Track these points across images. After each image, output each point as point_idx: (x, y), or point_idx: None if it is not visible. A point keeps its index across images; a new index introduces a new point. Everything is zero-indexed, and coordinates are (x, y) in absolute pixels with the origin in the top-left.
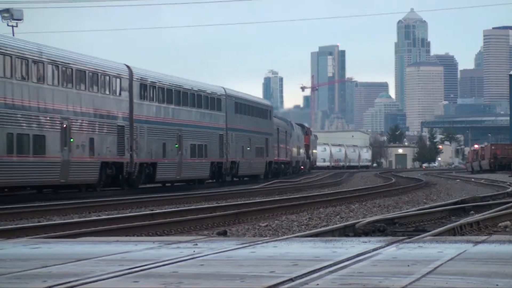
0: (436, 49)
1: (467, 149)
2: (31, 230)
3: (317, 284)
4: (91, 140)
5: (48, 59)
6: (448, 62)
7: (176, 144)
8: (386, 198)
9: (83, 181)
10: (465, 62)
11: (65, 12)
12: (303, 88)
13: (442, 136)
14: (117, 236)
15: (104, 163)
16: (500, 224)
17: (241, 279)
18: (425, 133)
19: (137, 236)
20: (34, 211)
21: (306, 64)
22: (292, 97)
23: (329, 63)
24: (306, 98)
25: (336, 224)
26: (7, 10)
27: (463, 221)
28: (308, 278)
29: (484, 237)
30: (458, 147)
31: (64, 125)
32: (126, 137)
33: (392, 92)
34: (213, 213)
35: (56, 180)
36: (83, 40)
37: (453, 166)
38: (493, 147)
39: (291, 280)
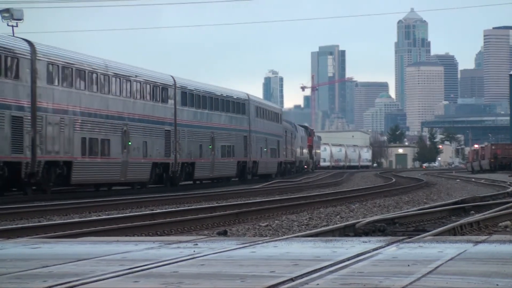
0: (436, 49)
1: (467, 149)
2: (31, 230)
3: (318, 284)
4: (145, 143)
5: (112, 72)
6: (448, 62)
7: (210, 145)
8: (386, 198)
9: (138, 179)
10: (465, 62)
11: (65, 12)
12: (303, 88)
13: (442, 136)
14: (117, 236)
15: (154, 163)
16: (500, 224)
17: (242, 279)
18: (425, 133)
19: (137, 236)
20: (35, 211)
21: (306, 64)
22: (292, 97)
23: (329, 63)
24: (306, 98)
25: (337, 224)
26: (7, 10)
27: (463, 221)
28: (308, 278)
29: (484, 237)
30: (458, 147)
31: (124, 130)
32: (171, 140)
33: (392, 92)
34: (213, 213)
35: (117, 178)
36: (83, 40)
37: (453, 166)
38: (493, 147)
39: (292, 280)
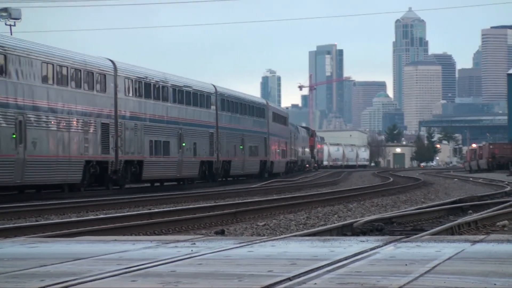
0: (434, 48)
1: (465, 149)
2: (29, 229)
3: (315, 284)
4: (194, 144)
5: (170, 83)
6: (446, 61)
7: (241, 146)
8: (384, 197)
9: (190, 176)
10: (463, 61)
11: (64, 11)
12: (301, 87)
13: (440, 135)
14: (115, 235)
15: (202, 161)
16: (498, 224)
17: (239, 278)
18: (423, 132)
19: (135, 235)
20: (32, 211)
21: (304, 63)
22: (290, 96)
23: (327, 62)
24: (304, 98)
25: (334, 223)
26: (5, 9)
27: (461, 220)
28: (306, 277)
29: (482, 237)
30: (456, 147)
31: (179, 133)
32: (214, 141)
33: (390, 91)
34: (211, 212)
35: (174, 175)
36: (81, 39)
37: (451, 165)
38: (491, 147)
39: (289, 279)
